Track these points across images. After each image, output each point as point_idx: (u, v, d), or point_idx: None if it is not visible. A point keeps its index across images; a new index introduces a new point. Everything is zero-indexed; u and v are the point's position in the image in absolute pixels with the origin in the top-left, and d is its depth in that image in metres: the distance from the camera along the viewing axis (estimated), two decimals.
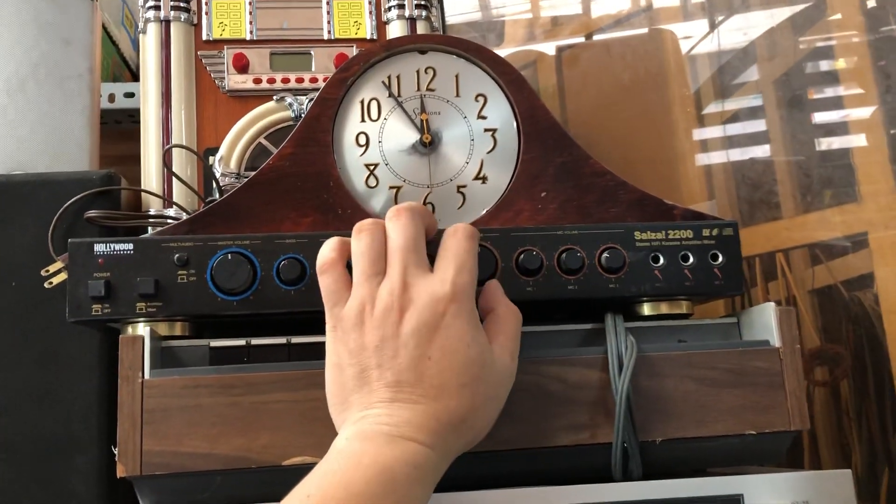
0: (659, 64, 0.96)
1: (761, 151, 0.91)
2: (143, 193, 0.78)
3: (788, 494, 0.55)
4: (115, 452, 0.50)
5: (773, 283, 0.92)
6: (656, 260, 0.61)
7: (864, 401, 0.85)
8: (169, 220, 0.74)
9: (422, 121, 0.69)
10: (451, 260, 0.51)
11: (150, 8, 0.80)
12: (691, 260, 0.61)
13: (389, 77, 0.69)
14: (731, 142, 0.93)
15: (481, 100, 0.70)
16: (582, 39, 1.07)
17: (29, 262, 0.70)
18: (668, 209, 0.68)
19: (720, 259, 0.62)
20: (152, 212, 0.77)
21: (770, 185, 0.89)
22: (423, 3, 0.84)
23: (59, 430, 0.68)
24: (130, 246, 0.56)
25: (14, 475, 0.66)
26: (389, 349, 0.48)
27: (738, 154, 0.93)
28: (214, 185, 0.75)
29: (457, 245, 0.52)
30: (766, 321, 0.60)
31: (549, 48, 1.07)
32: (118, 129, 1.04)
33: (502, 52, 1.13)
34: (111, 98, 1.03)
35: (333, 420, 0.50)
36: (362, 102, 0.69)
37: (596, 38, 1.05)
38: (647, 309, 0.63)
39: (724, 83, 0.93)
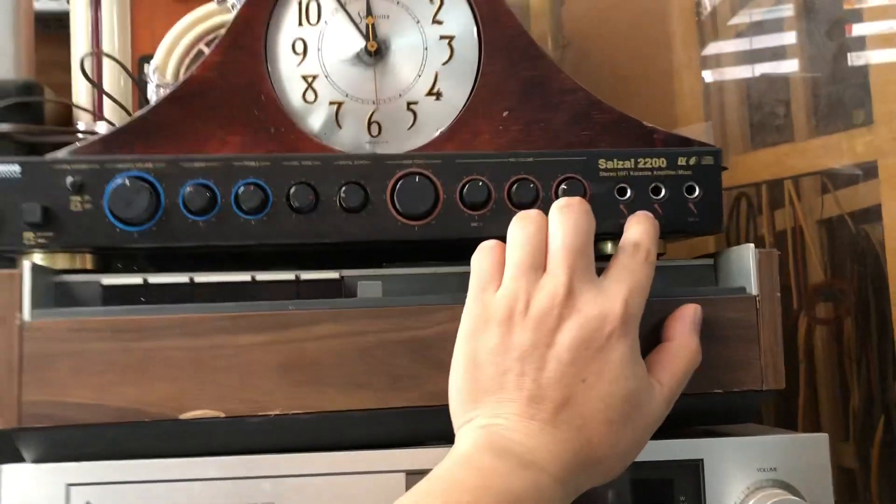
0: None
1: (770, 68, 0.82)
2: (72, 107, 0.71)
3: (755, 460, 0.49)
4: None
5: (780, 212, 0.85)
6: (623, 193, 0.54)
7: (865, 343, 0.78)
8: (85, 135, 0.67)
9: (367, 25, 0.60)
10: (627, 277, 0.45)
11: None
12: (663, 193, 0.54)
13: None
14: (739, 57, 0.84)
15: (437, 2, 0.61)
16: None
17: None
18: (646, 133, 0.59)
19: (696, 192, 0.54)
20: (81, 127, 0.70)
21: (778, 105, 0.80)
22: None
23: None
24: (17, 168, 0.49)
25: None
26: (538, 357, 0.42)
27: (746, 71, 0.83)
28: (148, 97, 0.68)
29: (634, 264, 0.46)
30: (744, 265, 0.52)
31: None
32: (67, 32, 0.96)
33: None
34: None
35: (452, 413, 0.45)
36: (300, 4, 0.60)
37: None
38: (610, 247, 0.56)
39: None
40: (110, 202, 0.49)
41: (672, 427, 0.54)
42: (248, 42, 0.59)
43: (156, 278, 0.49)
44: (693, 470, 0.49)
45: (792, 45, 0.79)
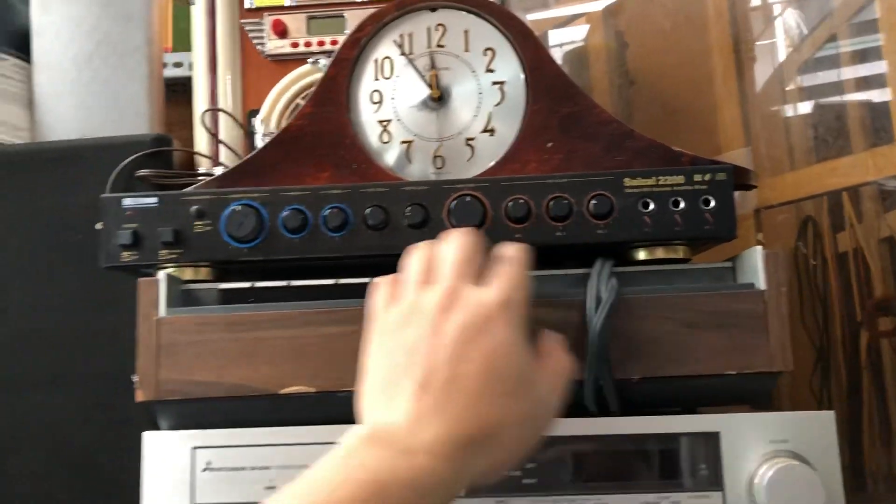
0: (699, 9, 0.94)
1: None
2: (194, 155, 0.86)
3: (768, 433, 0.56)
4: (135, 381, 0.58)
5: (842, 234, 0.90)
6: (646, 206, 0.62)
7: None
8: (206, 177, 0.81)
9: (431, 76, 0.72)
10: (504, 275, 0.49)
11: None
12: (682, 205, 0.62)
13: (402, 35, 0.73)
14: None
15: (490, 54, 0.72)
16: None
17: (92, 218, 0.79)
18: (675, 157, 0.68)
19: (712, 204, 0.62)
20: (202, 170, 0.84)
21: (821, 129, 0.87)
22: None
23: (119, 366, 0.76)
24: (155, 200, 0.63)
25: (80, 407, 0.76)
26: (426, 346, 0.45)
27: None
28: (255, 144, 0.81)
29: (509, 266, 0.50)
30: (753, 264, 0.60)
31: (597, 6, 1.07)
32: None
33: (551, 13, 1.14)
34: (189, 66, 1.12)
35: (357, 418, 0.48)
36: (376, 61, 0.73)
37: None
38: (642, 254, 0.65)
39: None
40: (226, 225, 0.62)
41: (694, 406, 0.62)
42: (334, 95, 0.72)
43: (261, 284, 0.61)
44: (712, 441, 0.57)
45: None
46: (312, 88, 0.84)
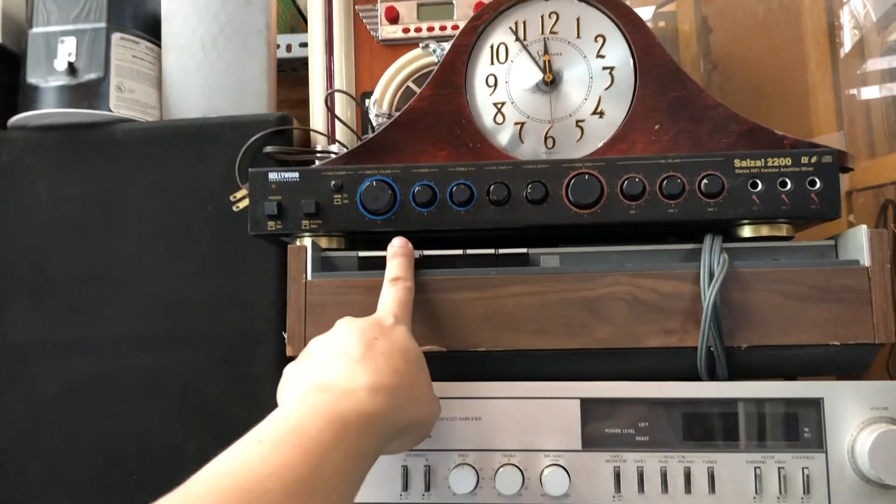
0: None
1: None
2: (311, 132, 0.92)
3: (868, 400, 0.60)
4: (286, 337, 0.64)
5: None
6: (755, 186, 0.66)
7: None
8: (332, 155, 0.87)
9: (544, 61, 0.76)
10: (391, 297, 0.61)
11: None
12: (789, 185, 0.66)
13: (516, 23, 0.77)
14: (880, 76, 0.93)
15: (600, 40, 0.76)
16: None
17: (220, 190, 0.86)
18: (778, 139, 0.72)
19: (818, 185, 0.66)
20: (318, 148, 0.90)
21: None
22: None
23: (246, 326, 0.83)
24: (297, 175, 0.69)
25: (211, 363, 0.83)
26: (345, 343, 0.57)
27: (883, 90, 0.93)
28: (368, 124, 0.87)
29: (395, 289, 0.62)
30: (858, 242, 0.64)
31: None
32: (295, 76, 1.18)
33: None
34: (288, 48, 1.18)
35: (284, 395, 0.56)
36: (492, 47, 0.77)
37: None
38: (747, 231, 0.69)
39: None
40: (362, 198, 0.68)
41: (798, 376, 0.66)
42: (452, 79, 0.77)
43: None
44: (815, 406, 0.61)
45: None
46: (424, 71, 0.90)
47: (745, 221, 0.68)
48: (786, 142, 0.72)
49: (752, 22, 1.00)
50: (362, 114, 0.91)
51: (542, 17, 0.77)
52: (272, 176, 0.69)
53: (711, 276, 0.62)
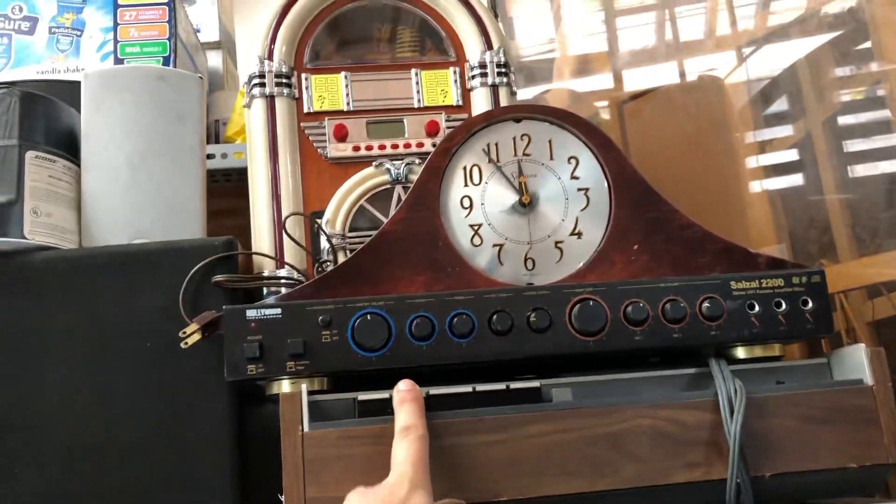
0: (721, 111, 1.02)
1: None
2: (260, 256, 0.84)
3: None
4: (282, 500, 0.56)
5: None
6: (752, 307, 0.66)
7: None
8: (283, 280, 0.80)
9: (520, 183, 0.75)
10: (406, 458, 0.56)
11: (255, 85, 0.87)
12: (784, 306, 0.67)
13: (489, 144, 0.76)
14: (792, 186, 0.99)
15: (573, 162, 0.76)
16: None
17: (159, 324, 0.76)
18: (752, 257, 0.73)
19: (810, 304, 0.67)
20: (266, 273, 0.83)
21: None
22: (503, 70, 0.90)
23: (193, 478, 0.73)
24: (279, 311, 0.62)
25: None
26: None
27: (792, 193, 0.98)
28: (328, 246, 0.81)
29: (408, 444, 0.56)
30: (857, 361, 0.64)
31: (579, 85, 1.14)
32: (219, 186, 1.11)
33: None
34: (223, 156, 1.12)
35: None
36: (465, 169, 0.75)
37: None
38: (741, 352, 0.68)
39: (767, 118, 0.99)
40: (354, 333, 0.62)
41: (817, 499, 0.65)
42: (426, 201, 0.73)
43: None
44: None
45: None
46: (377, 190, 0.86)
47: (743, 343, 0.68)
48: (759, 259, 0.73)
49: (681, 139, 1.04)
50: (312, 235, 0.85)
51: (514, 138, 0.76)
52: (251, 313, 0.62)
53: (730, 404, 0.61)
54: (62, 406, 0.74)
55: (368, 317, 0.62)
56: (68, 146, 0.85)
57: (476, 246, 0.73)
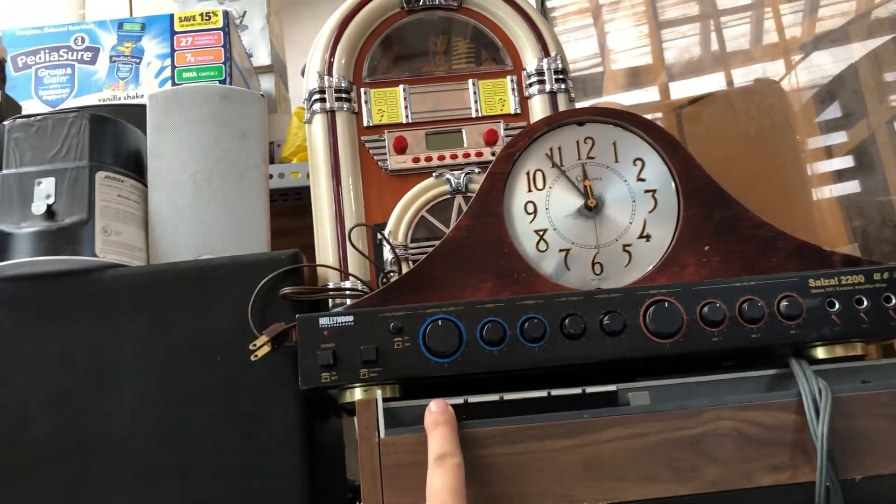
0: (782, 114, 1.00)
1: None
2: (325, 268, 0.85)
3: None
4: None
5: None
6: (832, 305, 0.64)
7: None
8: (348, 292, 0.81)
9: (585, 187, 0.74)
10: (443, 488, 0.54)
11: (315, 101, 0.88)
12: (865, 303, 0.64)
13: (551, 149, 0.75)
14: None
15: (639, 163, 0.75)
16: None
17: (230, 338, 0.77)
18: (827, 256, 0.71)
19: (893, 301, 0.65)
20: (331, 285, 0.83)
21: None
22: (561, 76, 0.90)
23: (266, 490, 0.73)
24: (351, 318, 0.62)
25: None
26: None
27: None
28: (391, 257, 0.81)
29: (443, 471, 0.55)
30: None
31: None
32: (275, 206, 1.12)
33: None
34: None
35: None
36: (528, 174, 0.75)
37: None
38: (821, 352, 0.66)
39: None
40: (426, 339, 0.62)
41: None
42: (490, 208, 0.73)
43: (473, 398, 0.60)
44: None
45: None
46: (438, 200, 0.86)
47: (823, 343, 0.65)
48: (834, 257, 0.71)
49: (742, 142, 1.02)
50: (375, 247, 0.85)
51: (578, 142, 0.75)
52: (324, 321, 0.62)
53: (815, 405, 0.59)
54: (135, 422, 0.75)
55: (439, 322, 0.62)
56: (135, 166, 0.87)
57: (542, 252, 0.73)
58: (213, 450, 0.74)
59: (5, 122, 0.84)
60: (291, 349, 0.68)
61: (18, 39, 1.34)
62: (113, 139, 0.86)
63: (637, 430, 0.59)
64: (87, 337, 0.77)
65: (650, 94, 1.32)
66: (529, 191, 0.74)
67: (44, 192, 0.81)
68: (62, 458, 0.74)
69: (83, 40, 1.34)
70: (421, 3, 0.92)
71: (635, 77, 1.33)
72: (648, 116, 1.23)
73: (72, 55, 1.33)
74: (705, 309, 0.64)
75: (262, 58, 1.58)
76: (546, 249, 0.73)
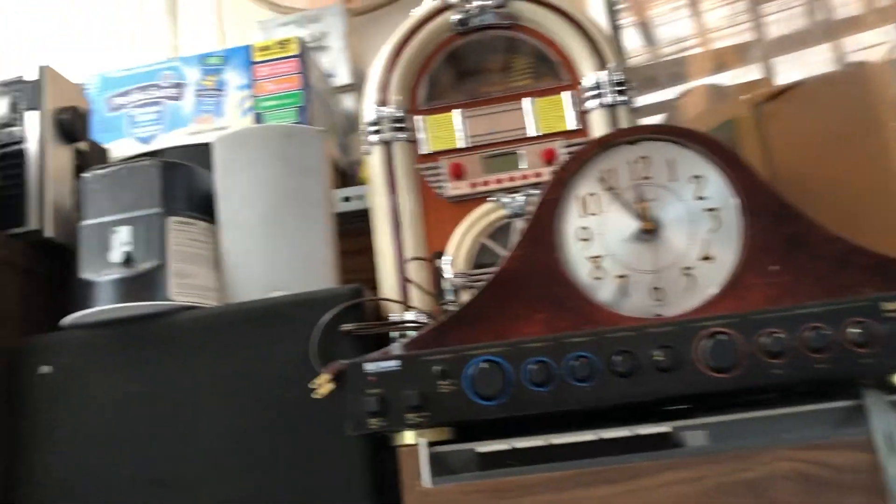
0: (871, 103, 0.92)
1: None
2: (388, 301, 0.86)
3: None
4: None
5: None
6: None
7: None
8: (409, 324, 0.81)
9: (641, 209, 0.71)
10: None
11: (372, 132, 0.89)
12: None
13: (604, 171, 0.72)
14: None
15: (698, 181, 0.71)
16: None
17: (297, 375, 0.79)
18: None
19: None
20: (394, 316, 0.84)
21: None
22: (620, 88, 0.87)
23: None
24: (397, 363, 0.62)
25: None
26: None
27: None
28: (450, 286, 0.81)
29: None
30: None
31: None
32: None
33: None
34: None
35: None
36: (580, 199, 0.72)
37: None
38: None
39: None
40: (471, 383, 0.61)
41: None
42: (542, 236, 0.71)
43: (520, 443, 0.59)
44: None
45: None
46: (497, 225, 0.85)
47: None
48: None
49: (826, 139, 0.95)
50: (437, 275, 0.85)
51: (631, 162, 0.73)
52: (369, 367, 0.62)
53: (890, 442, 0.54)
54: (210, 459, 0.78)
55: (483, 364, 0.61)
56: (205, 207, 0.90)
57: (598, 279, 0.70)
58: (284, 486, 0.76)
59: (84, 175, 0.89)
60: None
61: (111, 81, 1.42)
62: (183, 184, 0.90)
63: (693, 473, 0.56)
64: (165, 377, 0.81)
65: (748, 74, 1.25)
66: (583, 216, 0.72)
67: (121, 240, 0.85)
68: (143, 495, 0.78)
69: (170, 77, 1.40)
70: (473, 24, 0.91)
71: (729, 56, 1.27)
72: (740, 99, 1.17)
73: (160, 92, 1.40)
74: (765, 339, 0.60)
75: (342, 77, 1.61)
76: (603, 277, 0.71)
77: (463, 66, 0.94)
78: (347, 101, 1.61)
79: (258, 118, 1.33)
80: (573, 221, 0.72)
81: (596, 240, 0.71)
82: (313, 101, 1.35)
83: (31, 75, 0.99)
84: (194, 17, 1.95)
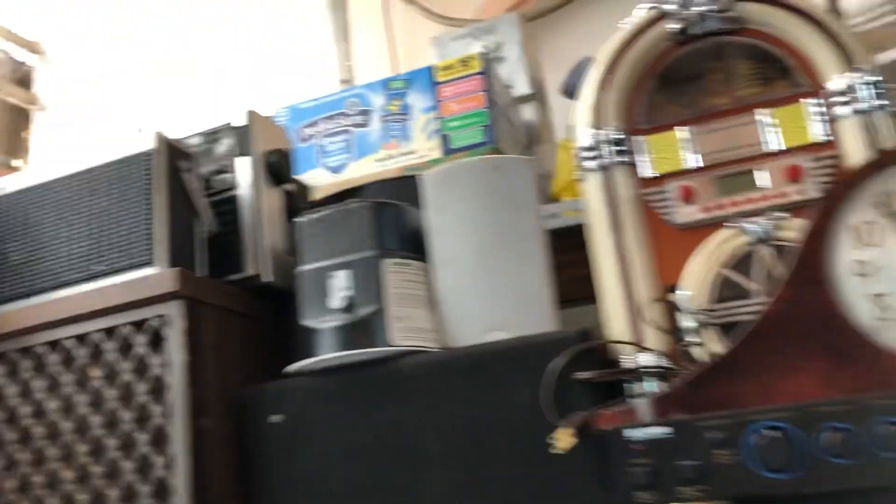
0: None
1: None
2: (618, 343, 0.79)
3: None
4: None
5: None
6: None
7: None
8: (651, 370, 0.74)
9: None
10: None
11: (587, 158, 0.83)
12: None
13: (883, 194, 0.63)
14: None
15: None
16: None
17: (525, 424, 0.74)
18: None
19: None
20: (624, 360, 0.77)
21: None
22: (878, 91, 0.76)
23: None
24: (670, 430, 0.56)
25: None
26: None
27: None
28: (691, 325, 0.74)
29: None
30: None
31: None
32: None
33: None
34: None
35: None
36: (855, 228, 0.63)
37: None
38: None
39: None
40: (752, 453, 0.54)
41: None
42: (811, 273, 0.63)
43: None
44: None
45: None
46: (739, 255, 0.76)
47: None
48: None
49: None
50: (673, 312, 0.78)
51: None
52: (635, 434, 0.56)
53: None
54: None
55: (765, 432, 0.54)
56: (416, 246, 0.87)
57: (883, 320, 0.61)
58: None
59: (299, 219, 0.89)
60: (597, 438, 0.64)
61: (299, 112, 1.44)
62: (395, 223, 0.87)
63: None
64: (391, 425, 0.79)
65: None
66: (859, 248, 0.63)
67: (339, 285, 0.84)
68: None
69: (355, 104, 1.40)
70: (694, 31, 0.83)
71: None
72: None
73: (347, 121, 1.40)
74: None
75: (521, 87, 1.56)
76: (888, 318, 0.61)
77: (681, 79, 0.86)
78: (527, 112, 1.56)
79: (445, 140, 1.30)
80: (846, 255, 0.63)
81: (877, 275, 0.62)
82: (498, 118, 1.31)
83: (238, 120, 1.00)
84: (366, 38, 1.97)
